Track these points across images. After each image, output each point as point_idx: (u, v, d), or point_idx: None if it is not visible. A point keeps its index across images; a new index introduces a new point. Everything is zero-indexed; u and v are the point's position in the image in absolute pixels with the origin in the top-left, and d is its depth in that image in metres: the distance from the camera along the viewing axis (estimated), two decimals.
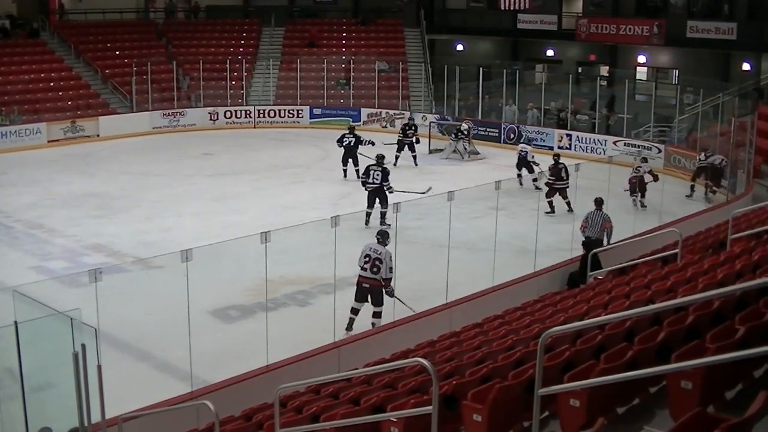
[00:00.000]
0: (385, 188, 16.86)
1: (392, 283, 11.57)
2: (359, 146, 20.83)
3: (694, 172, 20.23)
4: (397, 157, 22.85)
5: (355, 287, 11.62)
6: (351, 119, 29.43)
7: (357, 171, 20.43)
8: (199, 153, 25.14)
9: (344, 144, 20.86)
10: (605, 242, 13.65)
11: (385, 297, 11.56)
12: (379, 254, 11.45)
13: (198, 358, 9.30)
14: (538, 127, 26.69)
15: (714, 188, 19.61)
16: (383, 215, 16.65)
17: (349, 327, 11.58)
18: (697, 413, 4.23)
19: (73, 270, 13.76)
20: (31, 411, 7.23)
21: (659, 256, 11.70)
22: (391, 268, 11.49)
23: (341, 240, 12.90)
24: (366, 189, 17.12)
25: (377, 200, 16.95)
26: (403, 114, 28.84)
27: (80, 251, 15.58)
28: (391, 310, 11.34)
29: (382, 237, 11.72)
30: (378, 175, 16.93)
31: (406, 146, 23.22)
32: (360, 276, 11.56)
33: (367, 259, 11.50)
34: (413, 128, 23.65)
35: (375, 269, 11.43)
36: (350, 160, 20.93)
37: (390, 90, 30.68)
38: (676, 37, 28.17)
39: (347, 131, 21.31)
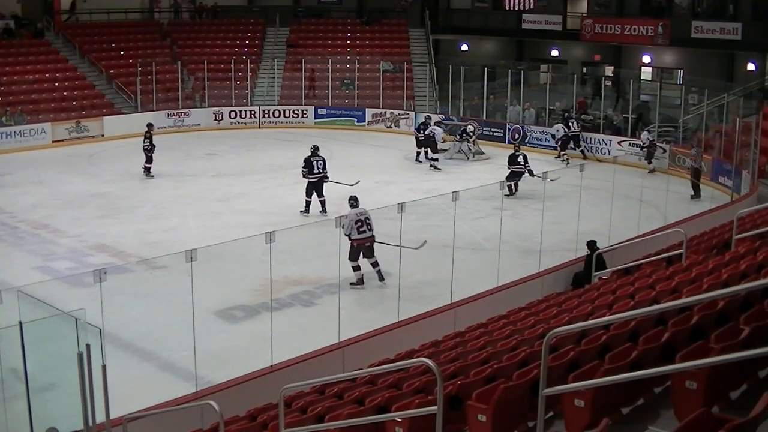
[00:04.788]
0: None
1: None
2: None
3: (562, 144, 24.33)
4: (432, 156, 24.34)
5: (353, 251, 13.04)
6: (355, 119, 29.48)
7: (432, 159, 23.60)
8: (204, 153, 25.16)
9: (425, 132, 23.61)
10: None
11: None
12: (367, 214, 13.15)
13: (202, 359, 9.31)
14: (542, 126, 26.66)
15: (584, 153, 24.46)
16: (323, 204, 17.63)
17: (361, 281, 13.20)
18: (701, 413, 4.23)
19: (78, 270, 13.79)
20: (35, 411, 7.24)
21: (664, 256, 11.69)
22: None
23: (346, 240, 12.96)
24: (309, 179, 17.60)
25: (315, 190, 17.65)
26: (408, 114, 28.99)
27: (85, 251, 15.60)
28: (395, 312, 11.34)
29: (356, 201, 13.47)
30: (321, 163, 17.63)
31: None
32: (359, 239, 13.07)
33: (360, 223, 13.03)
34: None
35: (369, 227, 13.11)
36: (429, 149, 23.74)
37: (394, 90, 30.64)
38: (680, 37, 28.15)
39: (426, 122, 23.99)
